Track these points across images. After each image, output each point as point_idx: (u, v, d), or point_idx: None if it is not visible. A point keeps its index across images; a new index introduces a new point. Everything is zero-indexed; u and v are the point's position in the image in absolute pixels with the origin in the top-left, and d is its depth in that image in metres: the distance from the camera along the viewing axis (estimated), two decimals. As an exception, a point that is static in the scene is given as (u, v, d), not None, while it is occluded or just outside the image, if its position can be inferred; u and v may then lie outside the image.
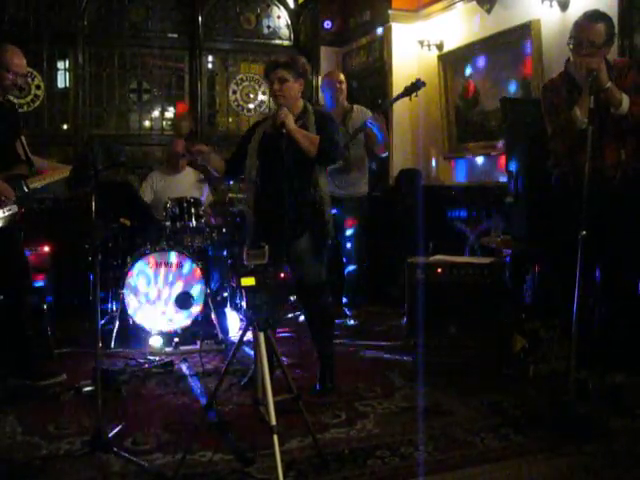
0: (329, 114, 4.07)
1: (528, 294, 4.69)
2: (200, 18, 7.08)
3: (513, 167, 4.71)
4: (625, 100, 3.50)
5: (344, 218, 5.45)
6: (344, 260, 5.59)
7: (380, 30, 6.78)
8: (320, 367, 3.90)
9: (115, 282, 5.13)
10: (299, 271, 3.82)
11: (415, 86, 5.13)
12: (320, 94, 6.70)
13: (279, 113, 3.62)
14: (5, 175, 3.88)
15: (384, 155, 5.72)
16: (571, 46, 3.67)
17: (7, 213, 3.88)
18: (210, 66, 7.38)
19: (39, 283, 5.18)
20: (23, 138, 4.11)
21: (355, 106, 5.52)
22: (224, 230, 5.51)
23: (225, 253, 5.61)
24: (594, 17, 3.62)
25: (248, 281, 2.80)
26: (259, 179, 3.78)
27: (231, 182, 5.34)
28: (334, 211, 5.27)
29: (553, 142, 3.82)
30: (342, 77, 5.56)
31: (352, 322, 5.53)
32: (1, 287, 3.99)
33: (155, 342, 4.79)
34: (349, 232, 5.50)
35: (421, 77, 5.20)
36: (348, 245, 5.53)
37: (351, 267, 5.56)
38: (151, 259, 4.90)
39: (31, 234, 4.46)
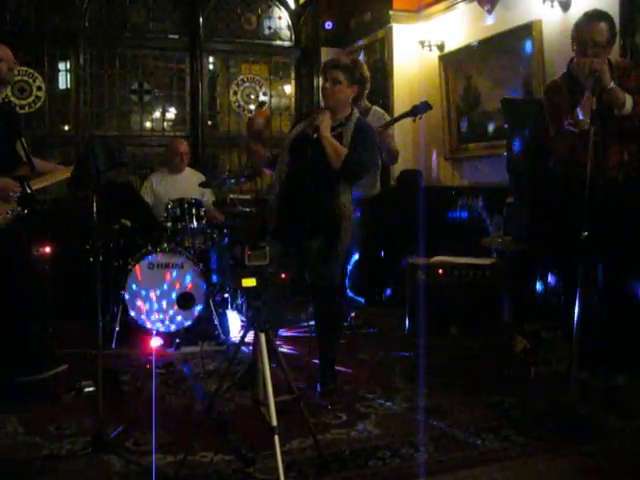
0: (370, 129, 3.88)
1: (529, 295, 4.69)
2: (201, 19, 7.09)
3: (514, 167, 4.72)
4: (628, 101, 3.49)
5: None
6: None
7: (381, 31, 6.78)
8: (321, 368, 3.90)
9: (116, 283, 5.13)
10: (310, 272, 3.82)
11: (422, 108, 5.12)
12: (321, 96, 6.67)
13: (319, 116, 3.61)
14: (8, 176, 3.89)
15: (390, 163, 5.69)
16: (574, 47, 3.66)
17: (10, 214, 3.89)
18: (211, 67, 7.39)
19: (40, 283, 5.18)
20: (23, 140, 4.12)
21: (374, 108, 5.40)
22: (225, 231, 5.51)
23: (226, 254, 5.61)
24: (596, 17, 3.62)
25: (249, 282, 2.81)
26: (286, 178, 3.76)
27: (232, 181, 5.32)
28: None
29: (556, 143, 3.81)
30: (367, 75, 5.46)
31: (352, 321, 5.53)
32: (5, 287, 3.99)
33: (156, 343, 4.79)
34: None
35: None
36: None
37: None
38: (152, 260, 4.90)
39: (32, 235, 4.47)
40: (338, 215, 3.67)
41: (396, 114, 5.87)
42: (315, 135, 3.55)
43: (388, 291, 6.11)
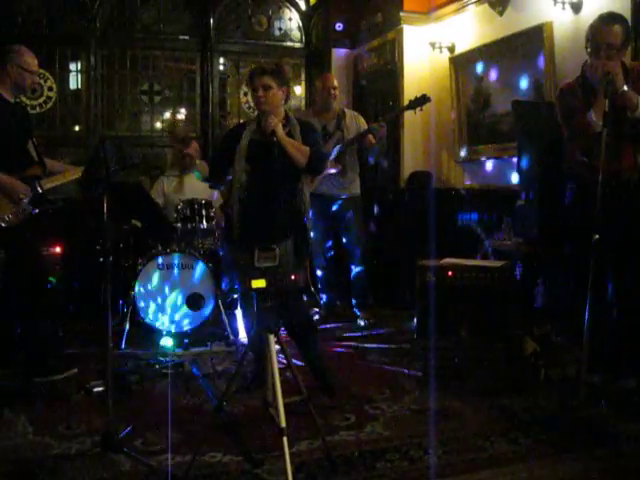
0: (311, 124, 4.11)
1: (539, 298, 4.68)
2: (212, 20, 7.11)
3: (525, 170, 4.70)
4: (642, 103, 3.47)
5: (344, 217, 5.57)
6: (351, 261, 5.63)
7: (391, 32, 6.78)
8: (313, 371, 3.88)
9: (126, 283, 5.15)
10: (283, 275, 3.81)
11: (420, 101, 5.30)
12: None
13: (268, 121, 3.62)
14: (19, 176, 3.92)
15: (373, 159, 5.84)
16: (589, 50, 3.64)
17: (21, 214, 3.92)
18: (221, 68, 7.41)
19: (50, 283, 5.21)
20: (34, 140, 4.15)
21: (346, 110, 5.67)
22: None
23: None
24: (611, 19, 3.59)
25: (259, 283, 2.81)
26: (247, 184, 3.77)
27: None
28: (335, 207, 5.54)
29: (569, 145, 3.80)
30: (336, 82, 5.62)
31: (362, 323, 5.56)
32: (16, 287, 4.02)
33: (166, 343, 4.81)
34: (351, 231, 5.59)
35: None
36: (352, 243, 5.58)
37: (358, 269, 5.59)
38: (162, 260, 4.92)
39: (43, 234, 4.49)
40: (303, 211, 3.82)
41: (407, 116, 5.92)
42: (274, 138, 3.58)
43: (397, 293, 6.10)
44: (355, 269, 5.63)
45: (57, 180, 4.14)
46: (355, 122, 5.54)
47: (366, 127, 5.46)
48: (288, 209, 3.71)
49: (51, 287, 4.82)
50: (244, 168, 3.78)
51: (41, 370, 3.99)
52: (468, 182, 6.31)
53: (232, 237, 3.84)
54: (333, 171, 5.41)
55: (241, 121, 6.25)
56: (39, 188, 4.00)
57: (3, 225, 3.87)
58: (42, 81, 6.51)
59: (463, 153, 6.29)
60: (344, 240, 5.68)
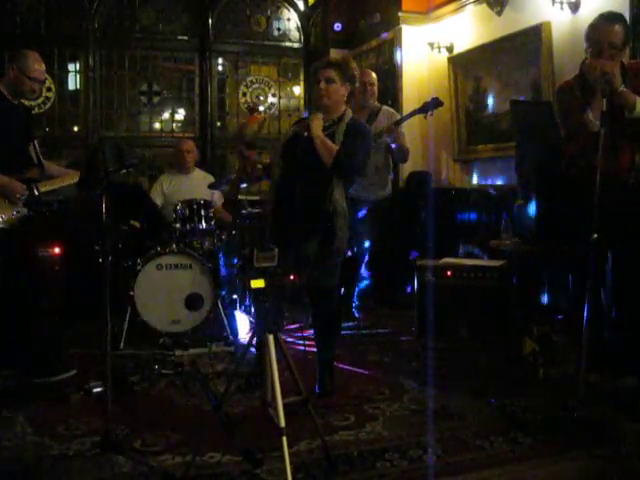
0: (363, 127, 3.86)
1: (538, 297, 4.68)
2: (210, 20, 7.12)
3: (523, 169, 4.70)
4: (639, 103, 3.47)
5: (361, 220, 5.42)
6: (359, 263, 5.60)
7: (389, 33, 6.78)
8: (319, 370, 3.86)
9: (125, 283, 5.15)
10: (309, 274, 3.81)
11: (432, 104, 5.15)
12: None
13: (311, 117, 3.61)
14: (17, 177, 3.93)
15: (402, 162, 5.69)
16: (589, 50, 3.64)
17: (15, 215, 3.92)
18: (220, 68, 7.41)
19: (49, 284, 5.21)
20: (36, 141, 4.16)
21: (384, 108, 5.49)
22: (233, 232, 5.52)
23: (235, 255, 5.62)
24: (611, 18, 3.59)
25: (258, 283, 2.81)
26: (280, 180, 3.74)
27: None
28: (362, 213, 5.32)
29: (567, 144, 3.80)
30: (374, 78, 5.45)
31: (362, 323, 5.54)
32: (14, 288, 4.01)
33: (165, 343, 4.80)
34: (364, 235, 5.49)
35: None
36: (361, 247, 5.53)
37: (363, 272, 5.56)
38: (161, 261, 4.92)
39: (39, 236, 4.49)
40: (332, 214, 3.63)
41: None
42: (306, 134, 3.54)
43: (397, 292, 6.10)
44: (360, 272, 5.58)
45: (55, 184, 4.15)
46: (387, 121, 5.32)
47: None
48: (314, 209, 3.61)
49: (50, 288, 4.83)
50: (278, 163, 3.76)
51: (40, 371, 3.99)
52: (467, 182, 6.32)
53: (267, 235, 3.80)
54: None
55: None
56: (35, 190, 3.99)
57: (3, 222, 3.87)
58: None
59: (462, 153, 6.30)
60: (356, 244, 5.46)
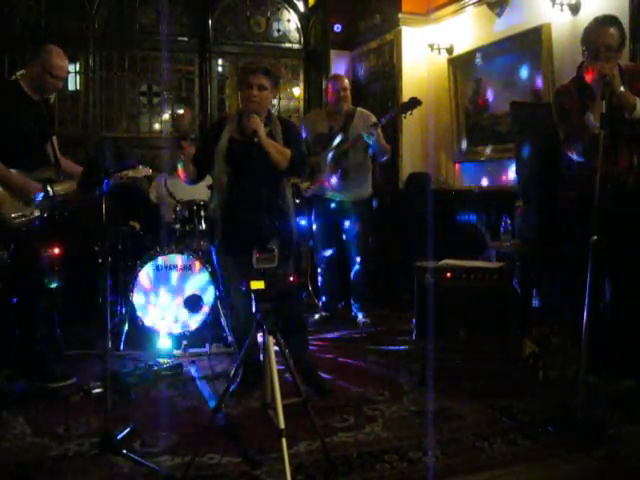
0: (293, 123, 4.13)
1: (538, 299, 4.67)
2: (210, 21, 7.11)
3: (523, 171, 4.70)
4: (639, 104, 3.48)
5: (345, 220, 5.54)
6: (350, 263, 5.63)
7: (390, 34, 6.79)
8: (305, 373, 3.82)
9: (125, 284, 5.14)
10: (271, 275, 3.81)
11: (409, 105, 5.25)
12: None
13: (251, 121, 3.60)
14: (31, 177, 3.86)
15: (383, 159, 5.74)
16: (586, 53, 3.65)
17: (29, 216, 3.86)
18: (220, 69, 7.40)
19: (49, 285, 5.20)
20: (54, 139, 4.08)
21: (358, 110, 5.56)
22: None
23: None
24: (606, 21, 3.61)
25: (257, 284, 2.81)
26: (228, 186, 3.75)
27: None
28: (336, 210, 5.50)
29: (566, 146, 3.80)
30: (346, 83, 5.55)
31: (361, 323, 5.55)
32: (15, 288, 4.00)
33: (164, 344, 4.80)
34: (352, 234, 5.56)
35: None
36: (352, 247, 5.57)
37: (358, 270, 5.58)
38: (160, 262, 4.91)
39: (43, 236, 4.47)
40: (287, 213, 3.80)
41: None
42: (255, 139, 3.57)
43: (396, 294, 6.10)
44: (355, 270, 5.61)
45: (69, 185, 4.03)
46: (364, 123, 5.37)
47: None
48: (271, 211, 3.64)
49: (50, 289, 4.82)
50: (224, 170, 3.76)
51: (39, 373, 3.96)
52: (467, 183, 6.32)
53: (214, 239, 3.84)
54: (333, 180, 5.38)
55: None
56: (50, 191, 3.94)
57: (15, 222, 3.81)
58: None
59: (461, 154, 6.30)
60: (345, 244, 5.63)
